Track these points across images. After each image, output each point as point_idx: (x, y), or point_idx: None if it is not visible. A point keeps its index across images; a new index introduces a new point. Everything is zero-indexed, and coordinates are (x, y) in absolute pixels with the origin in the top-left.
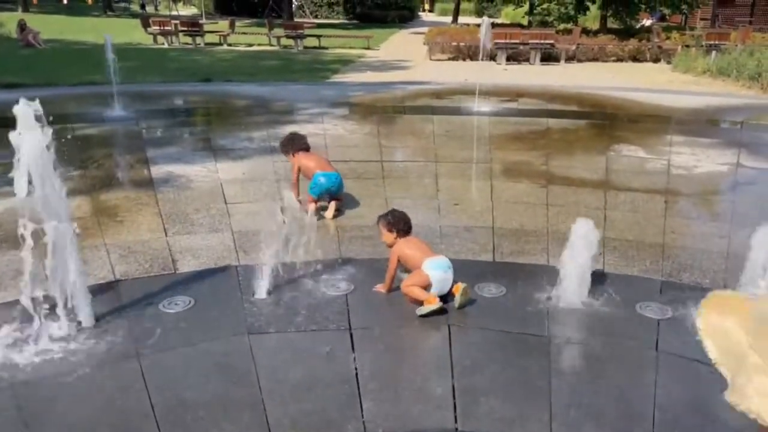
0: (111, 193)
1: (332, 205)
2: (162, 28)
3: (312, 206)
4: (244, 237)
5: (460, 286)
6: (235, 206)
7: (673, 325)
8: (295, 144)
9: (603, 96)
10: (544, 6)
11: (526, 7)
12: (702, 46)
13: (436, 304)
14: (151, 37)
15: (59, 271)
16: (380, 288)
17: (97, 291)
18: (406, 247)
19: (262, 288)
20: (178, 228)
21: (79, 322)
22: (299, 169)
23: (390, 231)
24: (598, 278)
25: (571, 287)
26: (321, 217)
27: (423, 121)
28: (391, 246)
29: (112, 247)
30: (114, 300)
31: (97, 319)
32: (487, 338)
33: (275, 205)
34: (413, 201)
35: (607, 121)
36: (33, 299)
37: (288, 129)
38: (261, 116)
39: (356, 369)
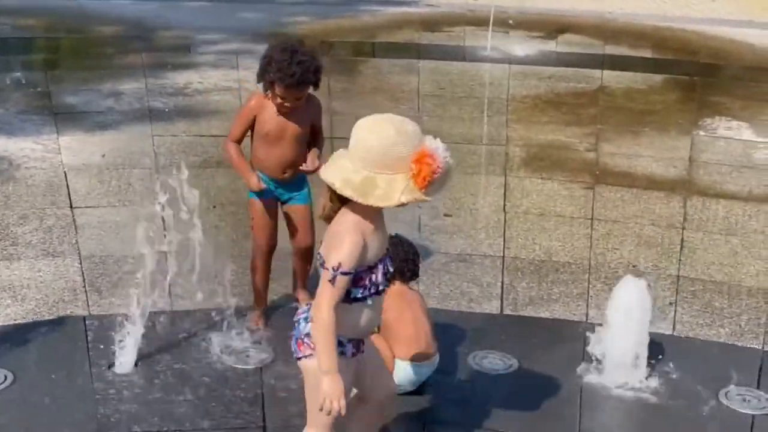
0: None
1: None
2: None
3: None
4: (98, 266)
5: None
6: (87, 212)
7: None
8: None
9: (694, 33)
10: None
11: None
12: None
13: None
14: None
15: None
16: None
17: None
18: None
19: (125, 356)
20: None
21: None
22: None
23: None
24: (664, 345)
25: (620, 360)
26: None
27: (403, 72)
28: None
29: None
30: None
31: None
32: None
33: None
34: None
35: (698, 77)
36: None
37: (182, 77)
38: (136, 55)
39: None
